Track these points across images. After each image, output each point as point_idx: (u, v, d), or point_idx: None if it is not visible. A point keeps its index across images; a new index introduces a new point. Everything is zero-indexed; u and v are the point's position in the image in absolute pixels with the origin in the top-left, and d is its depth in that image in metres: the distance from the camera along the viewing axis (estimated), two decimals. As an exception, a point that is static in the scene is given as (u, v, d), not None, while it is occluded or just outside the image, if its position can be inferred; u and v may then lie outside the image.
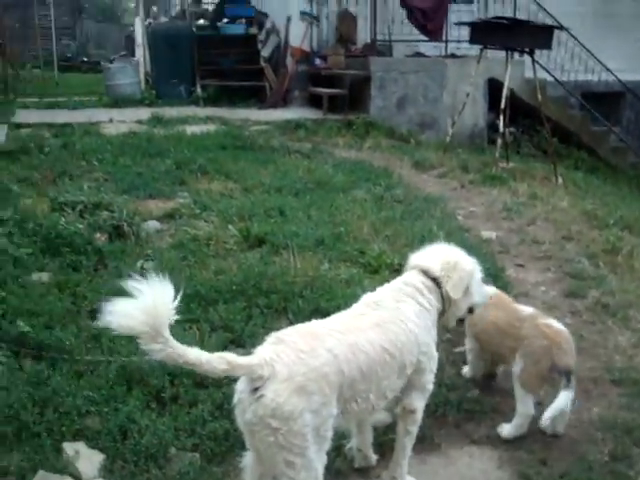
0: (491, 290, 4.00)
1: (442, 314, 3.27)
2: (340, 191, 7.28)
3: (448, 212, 7.14)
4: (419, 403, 3.14)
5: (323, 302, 4.53)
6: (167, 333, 2.43)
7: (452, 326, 3.53)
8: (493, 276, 5.20)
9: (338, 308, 4.06)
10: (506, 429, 3.79)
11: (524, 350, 3.73)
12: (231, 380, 2.68)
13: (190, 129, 9.88)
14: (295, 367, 2.53)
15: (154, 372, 3.71)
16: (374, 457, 3.42)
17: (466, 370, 4.20)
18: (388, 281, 4.88)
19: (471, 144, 11.80)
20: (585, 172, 11.47)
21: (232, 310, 4.40)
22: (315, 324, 2.85)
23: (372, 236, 5.98)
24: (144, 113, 10.98)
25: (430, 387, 3.17)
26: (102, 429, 3.35)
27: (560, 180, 9.49)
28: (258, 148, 9.11)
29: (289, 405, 2.47)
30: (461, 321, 3.53)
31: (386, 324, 2.92)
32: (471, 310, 3.42)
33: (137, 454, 3.23)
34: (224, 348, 4.10)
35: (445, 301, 3.23)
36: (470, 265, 3.31)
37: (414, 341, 2.98)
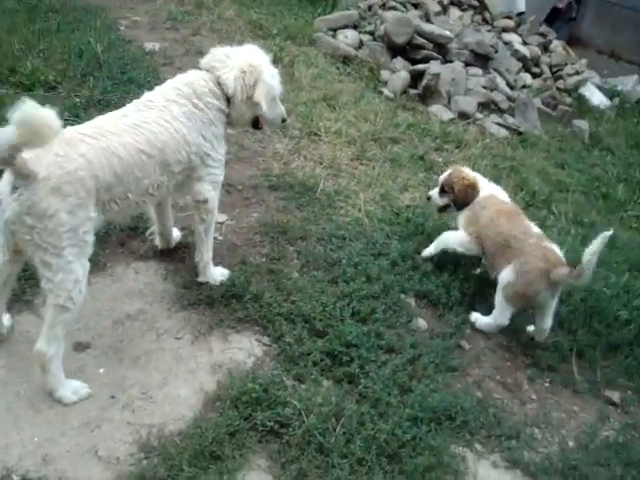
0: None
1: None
2: (-16, 2, 6.42)
3: (109, 23, 6.74)
4: (209, 193, 3.43)
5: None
6: None
7: (239, 129, 3.69)
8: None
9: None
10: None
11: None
12: None
13: None
14: (51, 168, 2.64)
15: None
16: (176, 238, 3.88)
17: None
18: (45, 98, 4.59)
19: None
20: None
21: None
22: (72, 129, 2.86)
23: (24, 52, 5.49)
24: None
25: (217, 179, 3.44)
26: None
27: (228, -12, 9.35)
28: None
29: (44, 203, 2.61)
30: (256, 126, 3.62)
31: (146, 125, 3.02)
32: (256, 124, 3.57)
33: None
34: None
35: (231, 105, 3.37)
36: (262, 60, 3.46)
37: (181, 140, 3.15)
